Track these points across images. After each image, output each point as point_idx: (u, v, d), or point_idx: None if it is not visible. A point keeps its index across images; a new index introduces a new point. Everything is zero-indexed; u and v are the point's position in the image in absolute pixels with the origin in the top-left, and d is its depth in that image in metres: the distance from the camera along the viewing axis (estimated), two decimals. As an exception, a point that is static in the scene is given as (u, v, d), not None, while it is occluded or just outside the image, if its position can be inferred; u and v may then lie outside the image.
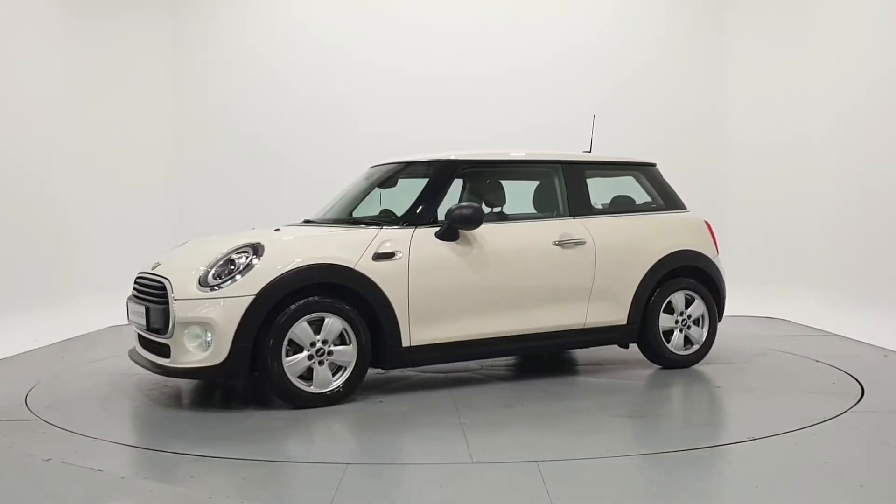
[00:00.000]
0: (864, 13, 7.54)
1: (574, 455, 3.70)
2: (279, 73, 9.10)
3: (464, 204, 5.01)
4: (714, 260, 5.86)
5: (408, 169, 5.57)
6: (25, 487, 3.38)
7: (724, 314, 6.02)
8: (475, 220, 4.93)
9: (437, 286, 4.87)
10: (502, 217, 5.56)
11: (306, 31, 9.11)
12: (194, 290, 4.48)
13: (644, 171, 6.01)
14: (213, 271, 4.52)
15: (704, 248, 5.83)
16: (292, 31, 9.12)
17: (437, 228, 4.95)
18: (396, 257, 4.76)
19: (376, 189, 5.59)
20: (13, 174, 7.39)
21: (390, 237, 4.83)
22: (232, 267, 4.52)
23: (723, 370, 5.55)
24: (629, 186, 5.98)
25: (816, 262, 8.25)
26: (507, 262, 5.11)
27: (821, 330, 7.43)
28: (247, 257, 4.54)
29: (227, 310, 4.39)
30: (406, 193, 5.30)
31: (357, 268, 4.63)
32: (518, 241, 5.22)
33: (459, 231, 4.96)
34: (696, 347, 5.74)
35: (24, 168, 7.59)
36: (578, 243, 5.31)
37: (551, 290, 5.25)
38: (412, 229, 4.92)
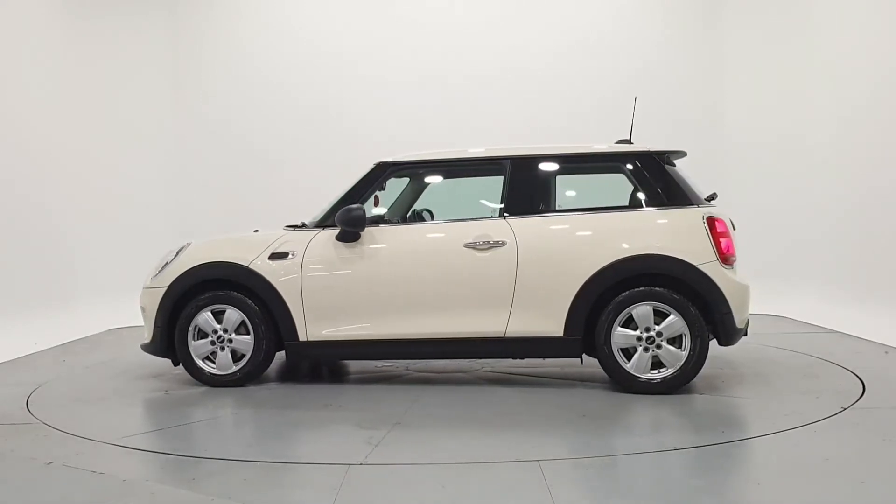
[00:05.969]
0: (864, 11, 7.54)
1: (576, 454, 3.71)
2: (279, 75, 9.11)
3: (349, 206, 5.03)
4: (703, 267, 4.78)
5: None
6: (28, 491, 3.38)
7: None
8: (353, 222, 4.99)
9: (330, 286, 5.08)
10: (420, 219, 5.67)
11: (306, 32, 9.12)
12: (149, 281, 5.37)
13: (630, 162, 5.12)
14: (159, 266, 5.36)
15: (688, 253, 4.80)
16: (292, 31, 9.13)
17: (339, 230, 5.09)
18: (290, 257, 5.11)
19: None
20: (12, 177, 7.40)
21: (291, 238, 5.19)
22: (164, 263, 5.34)
23: (723, 367, 5.54)
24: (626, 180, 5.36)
25: (817, 259, 8.26)
26: (406, 265, 5.05)
27: (821, 327, 7.43)
28: (173, 256, 5.34)
29: (151, 298, 5.27)
30: (385, 193, 5.44)
31: (251, 266, 5.12)
32: (424, 243, 5.15)
33: (360, 233, 5.06)
34: (669, 372, 4.80)
35: (24, 171, 7.60)
36: (496, 245, 4.93)
37: (459, 294, 4.96)
38: (317, 231, 5.19)
